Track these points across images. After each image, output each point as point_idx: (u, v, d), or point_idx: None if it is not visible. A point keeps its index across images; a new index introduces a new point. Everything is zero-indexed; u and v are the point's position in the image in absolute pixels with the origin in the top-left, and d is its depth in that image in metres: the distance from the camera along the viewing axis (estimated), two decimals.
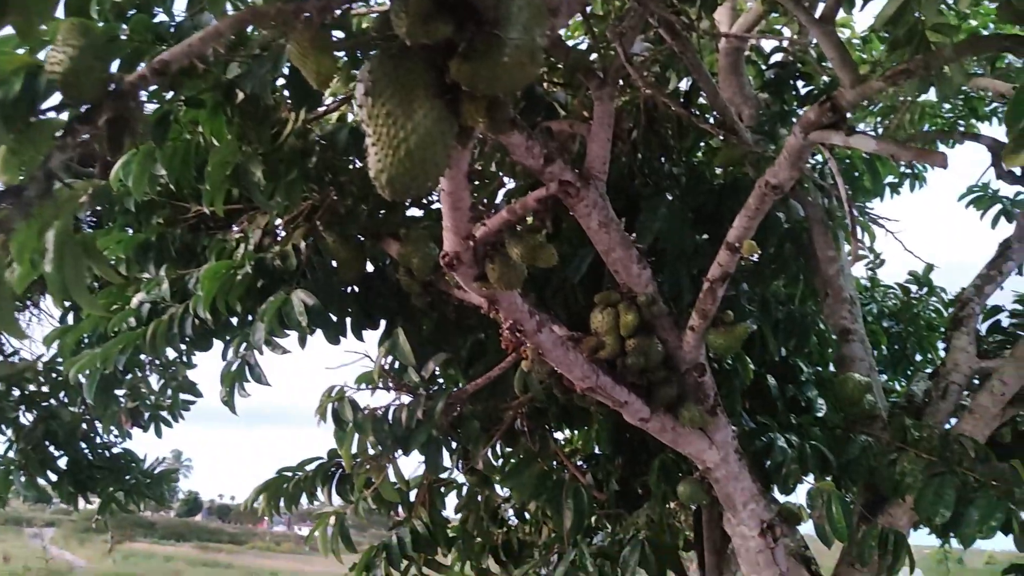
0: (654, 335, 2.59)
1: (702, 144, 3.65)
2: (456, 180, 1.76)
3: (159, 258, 2.90)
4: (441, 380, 3.32)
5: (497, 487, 3.58)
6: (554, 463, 3.15)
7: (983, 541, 3.41)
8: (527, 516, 4.04)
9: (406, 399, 2.52)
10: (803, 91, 3.65)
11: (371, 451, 2.41)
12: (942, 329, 4.13)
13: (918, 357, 4.50)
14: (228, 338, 2.94)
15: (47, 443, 4.30)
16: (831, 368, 3.72)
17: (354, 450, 2.34)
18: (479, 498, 3.63)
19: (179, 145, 2.36)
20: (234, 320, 2.79)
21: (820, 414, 3.40)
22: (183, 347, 3.42)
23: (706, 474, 2.70)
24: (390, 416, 2.39)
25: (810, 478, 3.02)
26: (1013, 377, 2.87)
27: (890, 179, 5.27)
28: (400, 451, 2.43)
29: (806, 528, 3.27)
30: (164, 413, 4.44)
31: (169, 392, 4.19)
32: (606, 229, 2.55)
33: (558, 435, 3.78)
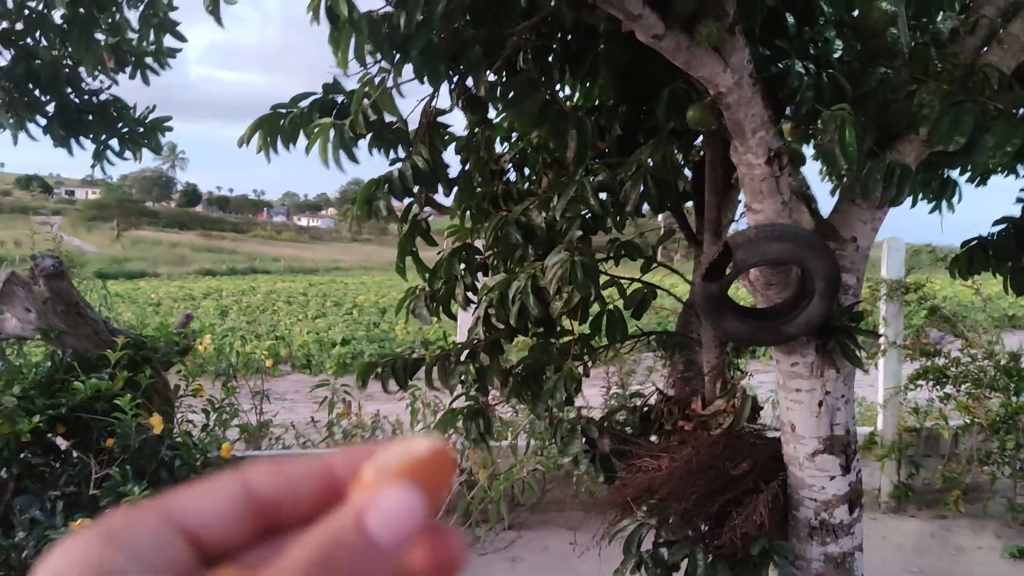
0: None
1: None
2: None
3: None
4: None
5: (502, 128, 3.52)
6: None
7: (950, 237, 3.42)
8: (525, 170, 4.03)
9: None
10: None
11: (369, 59, 2.28)
12: None
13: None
14: None
15: (31, 86, 4.14)
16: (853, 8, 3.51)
17: (351, 56, 2.21)
18: (478, 140, 3.56)
19: None
20: None
21: (837, 55, 3.25)
22: None
23: (718, 99, 2.61)
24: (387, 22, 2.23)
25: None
26: None
27: None
28: (399, 56, 2.30)
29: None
30: (149, 60, 4.25)
31: (152, 35, 3.96)
32: None
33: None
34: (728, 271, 2.72)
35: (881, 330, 6.72)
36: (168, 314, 20.54)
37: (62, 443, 4.83)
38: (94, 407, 4.69)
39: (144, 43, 4.10)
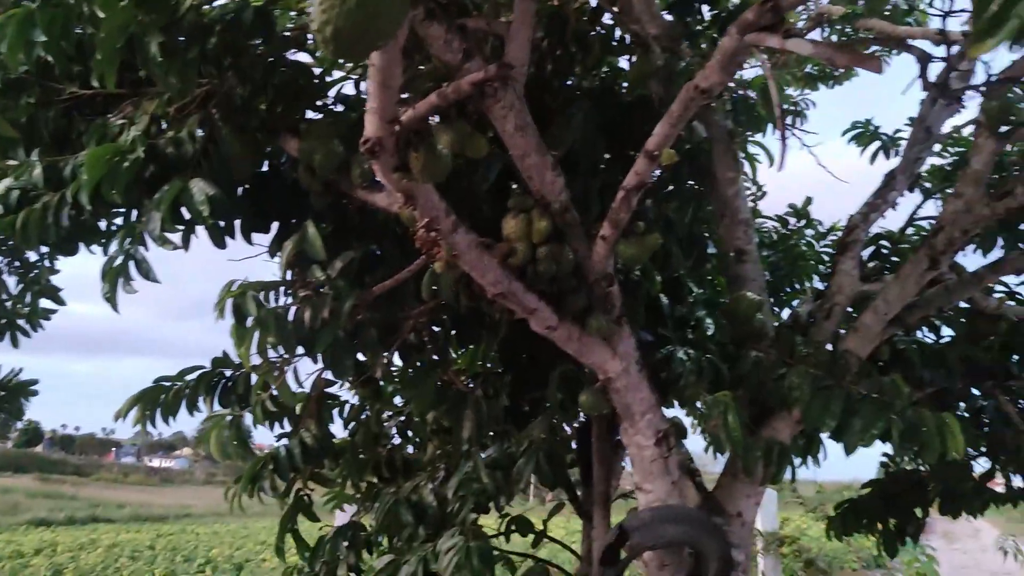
0: (566, 243, 2.56)
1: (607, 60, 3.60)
2: (391, 53, 1.64)
3: (29, 142, 2.62)
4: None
5: (391, 401, 3.52)
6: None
7: (812, 472, 3.67)
8: (409, 434, 4.00)
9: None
10: (708, 15, 3.65)
11: (271, 352, 2.28)
12: (825, 258, 4.33)
13: (796, 286, 4.66)
14: (103, 240, 2.74)
15: None
16: (719, 290, 3.84)
17: (253, 351, 2.20)
18: (366, 414, 3.55)
19: (60, 10, 2.11)
20: (117, 213, 2.57)
21: (709, 333, 3.50)
22: (45, 250, 3.15)
23: (607, 384, 2.72)
24: (291, 316, 2.27)
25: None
26: (896, 297, 3.03)
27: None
28: (304, 352, 2.32)
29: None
30: (22, 322, 4.10)
31: (28, 298, 3.85)
32: (522, 133, 2.47)
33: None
34: (624, 554, 2.71)
35: None
36: None
37: None
38: None
39: (19, 306, 3.98)
